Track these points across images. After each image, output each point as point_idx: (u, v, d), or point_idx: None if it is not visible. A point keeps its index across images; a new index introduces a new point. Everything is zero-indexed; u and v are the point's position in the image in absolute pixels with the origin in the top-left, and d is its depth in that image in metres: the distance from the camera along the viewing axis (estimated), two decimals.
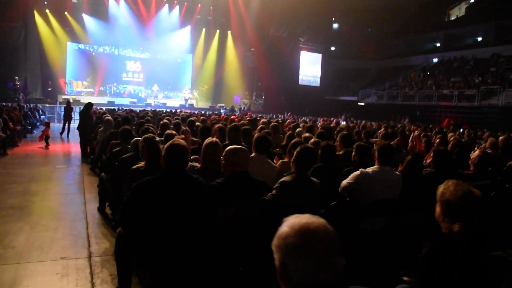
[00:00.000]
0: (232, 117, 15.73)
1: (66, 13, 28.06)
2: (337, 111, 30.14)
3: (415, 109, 27.81)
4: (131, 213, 3.09)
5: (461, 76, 28.37)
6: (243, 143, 6.34)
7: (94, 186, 7.71)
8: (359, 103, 32.26)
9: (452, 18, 35.17)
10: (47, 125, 13.70)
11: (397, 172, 4.51)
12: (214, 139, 4.13)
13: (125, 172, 4.52)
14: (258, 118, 14.89)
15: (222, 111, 25.62)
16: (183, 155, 3.16)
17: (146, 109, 22.49)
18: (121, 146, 5.66)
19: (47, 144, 13.16)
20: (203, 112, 21.23)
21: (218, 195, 3.31)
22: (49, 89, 26.86)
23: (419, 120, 25.51)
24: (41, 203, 6.57)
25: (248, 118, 14.78)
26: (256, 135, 4.99)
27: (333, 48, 37.12)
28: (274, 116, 23.59)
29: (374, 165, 4.89)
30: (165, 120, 8.45)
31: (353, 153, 5.16)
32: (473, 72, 28.27)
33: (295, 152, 3.83)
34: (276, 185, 3.58)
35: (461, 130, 16.09)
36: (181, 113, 14.83)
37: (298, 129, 9.45)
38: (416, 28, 35.60)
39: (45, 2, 27.45)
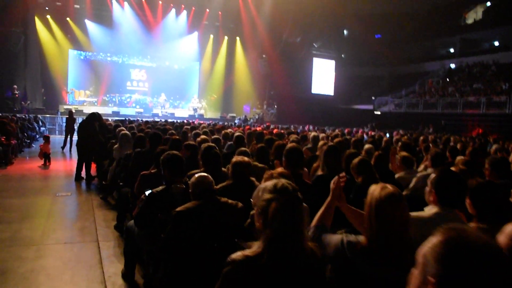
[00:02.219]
0: (259, 128, 13.55)
1: (68, 19, 25.90)
2: (353, 121, 27.94)
3: (437, 118, 25.65)
4: None
5: (483, 82, 26.33)
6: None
7: (110, 227, 5.50)
8: (375, 112, 30.11)
9: (468, 22, 33.11)
10: (47, 139, 11.41)
11: None
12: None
13: (187, 237, 2.35)
14: (293, 129, 12.73)
15: (236, 121, 23.37)
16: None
17: (155, 119, 20.31)
18: (166, 182, 3.38)
19: (46, 162, 10.90)
20: (220, 123, 18.99)
21: None
22: (44, 98, 24.57)
23: (444, 129, 23.36)
24: (35, 263, 4.29)
25: (276, 131, 12.61)
26: (439, 171, 2.70)
27: (343, 55, 34.94)
28: (292, 127, 21.37)
29: None
30: (203, 136, 6.23)
31: None
32: (498, 77, 26.25)
33: None
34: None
35: None
36: (201, 125, 12.58)
37: (367, 146, 7.26)
38: (429, 33, 33.55)
39: (46, 8, 25.27)
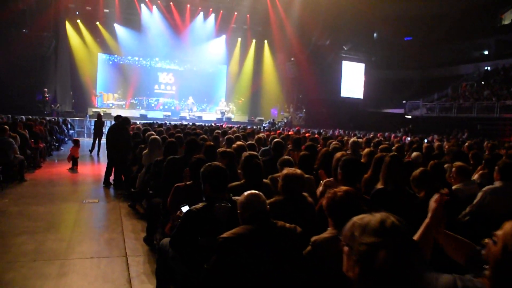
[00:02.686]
0: (291, 133, 13.02)
1: (97, 23, 26.05)
2: (383, 125, 27.00)
3: (472, 122, 24.51)
4: None
5: None
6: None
7: (139, 240, 5.08)
8: (406, 116, 29.09)
9: (505, 23, 31.63)
10: (76, 143, 11.19)
11: None
12: None
13: (237, 270, 1.86)
14: (324, 134, 12.11)
15: (265, 125, 22.88)
16: None
17: (182, 122, 20.03)
18: (206, 199, 2.86)
19: (74, 165, 10.65)
20: (249, 126, 18.54)
21: None
22: (73, 100, 24.72)
23: (480, 134, 22.23)
24: (59, 282, 3.87)
25: (308, 135, 12.06)
26: None
27: (373, 58, 33.94)
28: (322, 131, 20.72)
29: None
30: (239, 142, 5.75)
31: None
32: None
33: None
34: None
35: None
36: (232, 129, 12.13)
37: (414, 154, 6.63)
38: (463, 35, 32.21)
39: (77, 12, 25.48)
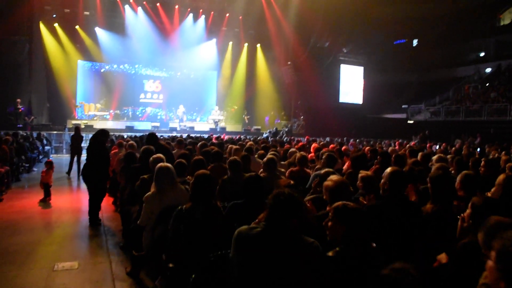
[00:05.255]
0: (314, 145, 10.50)
1: (77, 27, 23.09)
2: (386, 131, 24.68)
3: (483, 126, 22.48)
4: None
5: None
6: None
7: None
8: (408, 121, 26.95)
9: (505, 23, 29.96)
10: (49, 166, 8.38)
11: None
12: None
13: None
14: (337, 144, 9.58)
15: (266, 135, 20.26)
16: None
17: (175, 135, 17.37)
18: None
19: (46, 196, 7.91)
20: (249, 137, 15.97)
21: None
22: (48, 106, 21.95)
23: (494, 139, 20.14)
24: None
25: (322, 144, 9.63)
26: None
27: (371, 61, 31.74)
28: (327, 139, 18.26)
29: None
30: (336, 178, 3.20)
31: None
32: None
33: None
34: None
35: None
36: (247, 142, 9.51)
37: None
38: (460, 37, 30.39)
39: (54, 15, 22.49)
